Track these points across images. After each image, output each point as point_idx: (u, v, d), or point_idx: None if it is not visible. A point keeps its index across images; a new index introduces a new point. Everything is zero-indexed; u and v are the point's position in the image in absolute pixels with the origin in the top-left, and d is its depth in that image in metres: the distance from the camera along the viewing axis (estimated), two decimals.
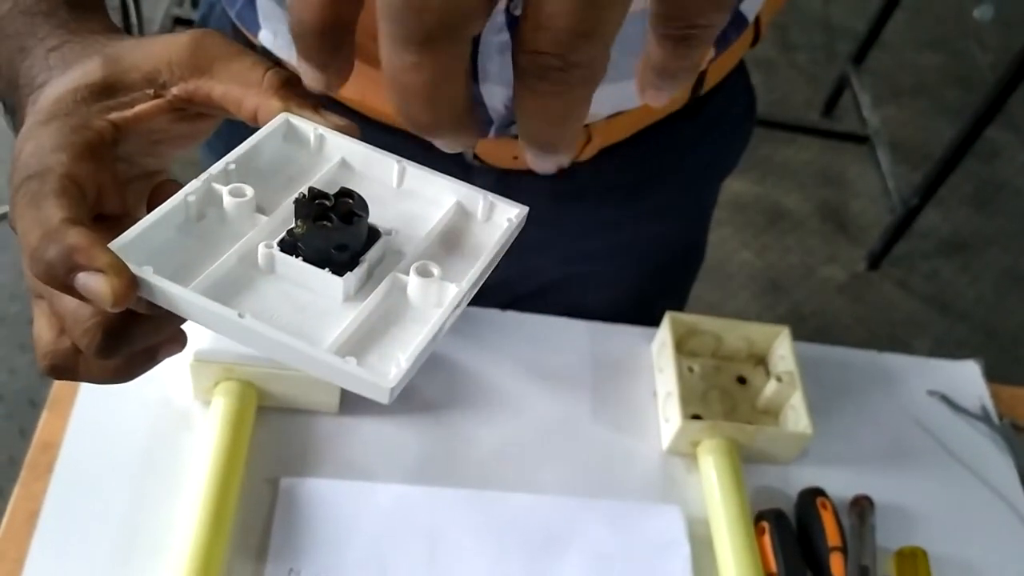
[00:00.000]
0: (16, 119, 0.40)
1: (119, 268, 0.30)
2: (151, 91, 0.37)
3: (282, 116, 0.36)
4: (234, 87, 0.37)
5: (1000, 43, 2.54)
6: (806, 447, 0.71)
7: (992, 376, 0.81)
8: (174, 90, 0.37)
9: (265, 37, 0.64)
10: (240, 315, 0.29)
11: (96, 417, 0.65)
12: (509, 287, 0.81)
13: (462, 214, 0.36)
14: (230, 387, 0.64)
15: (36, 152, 0.34)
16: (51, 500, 0.61)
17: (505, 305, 0.78)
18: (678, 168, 0.74)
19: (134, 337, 0.35)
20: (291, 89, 0.37)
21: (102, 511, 0.61)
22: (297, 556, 0.60)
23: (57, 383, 0.67)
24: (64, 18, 0.41)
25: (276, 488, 0.63)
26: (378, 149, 0.36)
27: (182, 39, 0.38)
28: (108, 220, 0.36)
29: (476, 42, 0.56)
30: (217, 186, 0.34)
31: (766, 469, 0.71)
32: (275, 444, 0.65)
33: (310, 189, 0.33)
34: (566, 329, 0.76)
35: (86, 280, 0.30)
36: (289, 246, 0.32)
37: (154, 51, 0.37)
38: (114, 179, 0.35)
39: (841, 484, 0.70)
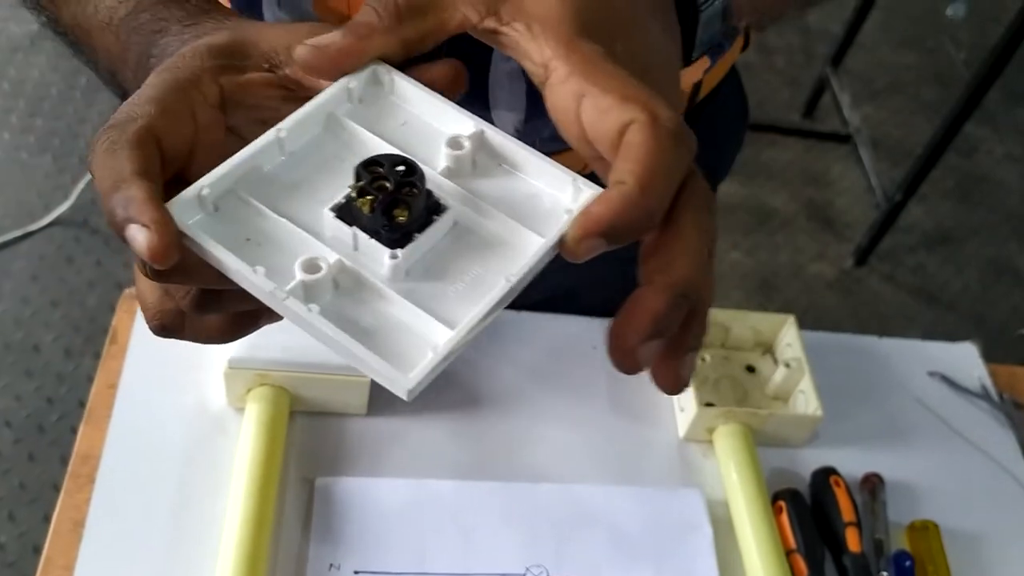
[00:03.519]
0: None
1: (162, 225, 0.31)
2: (266, 65, 0.38)
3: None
4: None
5: (973, 40, 2.59)
6: (816, 429, 0.73)
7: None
8: (287, 71, 0.38)
9: None
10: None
11: (133, 427, 0.67)
12: (521, 297, 0.83)
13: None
14: (263, 392, 0.66)
15: (132, 100, 0.35)
16: (95, 508, 0.63)
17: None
18: None
19: (227, 299, 0.36)
20: None
21: (146, 516, 0.63)
22: (337, 551, 0.62)
23: (92, 397, 0.69)
24: (198, 5, 0.43)
25: (312, 487, 0.65)
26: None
27: (303, 28, 0.39)
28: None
29: (486, 70, 0.58)
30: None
31: (779, 453, 0.73)
32: (308, 446, 0.68)
33: (362, 188, 0.33)
34: (579, 328, 0.79)
35: (133, 233, 0.31)
36: (402, 239, 0.33)
37: (276, 33, 0.39)
38: (213, 144, 0.36)
39: (851, 464, 0.73)
